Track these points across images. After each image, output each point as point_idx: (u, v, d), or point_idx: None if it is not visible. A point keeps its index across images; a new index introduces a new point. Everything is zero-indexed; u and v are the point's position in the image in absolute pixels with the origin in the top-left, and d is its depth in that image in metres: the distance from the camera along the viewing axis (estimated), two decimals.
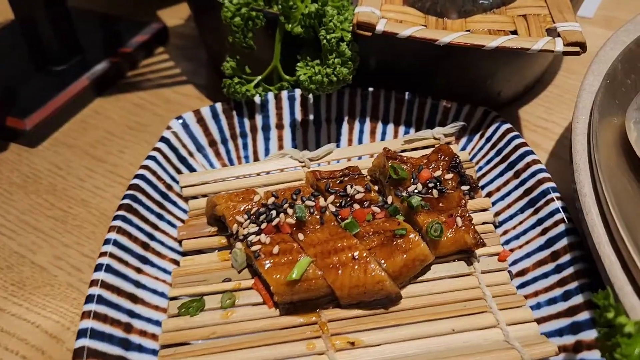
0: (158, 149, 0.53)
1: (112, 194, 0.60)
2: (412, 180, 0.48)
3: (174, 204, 0.52)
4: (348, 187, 0.48)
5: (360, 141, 0.58)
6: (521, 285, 0.45)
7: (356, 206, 0.47)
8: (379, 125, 0.58)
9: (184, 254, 0.49)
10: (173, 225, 0.50)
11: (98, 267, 0.42)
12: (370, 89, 0.58)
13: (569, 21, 0.51)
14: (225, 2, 0.55)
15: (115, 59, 0.76)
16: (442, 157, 0.50)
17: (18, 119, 0.66)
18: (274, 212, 0.46)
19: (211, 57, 0.77)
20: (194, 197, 0.53)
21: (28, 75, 0.72)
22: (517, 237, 0.47)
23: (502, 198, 0.51)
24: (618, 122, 0.49)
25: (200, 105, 0.69)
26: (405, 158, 0.50)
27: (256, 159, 0.58)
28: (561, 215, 0.44)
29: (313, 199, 0.47)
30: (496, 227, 0.50)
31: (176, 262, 0.48)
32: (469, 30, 0.52)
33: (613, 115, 0.49)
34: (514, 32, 0.52)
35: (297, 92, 0.58)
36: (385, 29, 0.50)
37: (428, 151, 0.55)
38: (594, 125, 0.45)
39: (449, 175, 0.49)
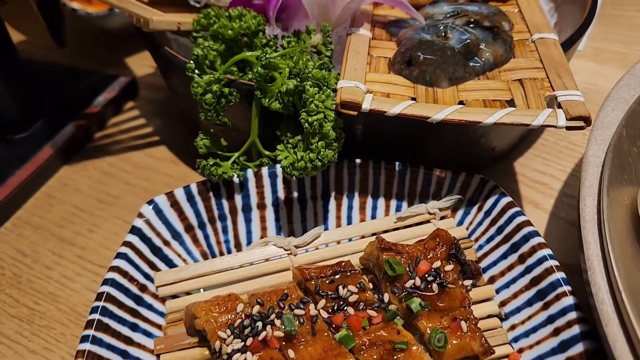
0: (129, 243, 0.48)
1: (82, 285, 0.55)
2: (410, 274, 0.44)
3: (149, 307, 0.47)
4: (340, 287, 0.44)
5: (349, 218, 0.54)
6: None
7: (350, 310, 0.43)
8: (369, 200, 0.54)
9: None
10: (149, 335, 0.46)
11: None
12: (358, 160, 0.53)
13: (569, 88, 0.48)
14: (195, 77, 0.51)
15: (81, 121, 0.70)
16: (440, 244, 0.46)
17: None
18: (259, 324, 0.42)
19: (182, 114, 0.72)
20: (172, 297, 0.48)
21: None
22: (526, 334, 0.44)
23: (507, 285, 0.47)
24: (629, 202, 0.45)
25: (174, 169, 0.65)
26: (400, 247, 0.46)
27: (237, 243, 0.53)
28: (574, 314, 0.41)
29: (302, 306, 0.43)
30: (502, 320, 0.46)
31: None
32: (462, 102, 0.48)
33: (623, 193, 0.45)
34: (511, 102, 0.48)
35: (279, 168, 0.53)
36: (372, 107, 0.46)
37: (423, 228, 0.52)
38: (604, 213, 0.41)
39: (449, 267, 0.45)
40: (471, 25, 0.54)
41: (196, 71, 0.51)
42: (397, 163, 0.53)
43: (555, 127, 0.45)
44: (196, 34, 0.57)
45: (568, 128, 0.45)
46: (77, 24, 0.83)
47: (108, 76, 0.77)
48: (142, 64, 0.84)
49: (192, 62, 0.51)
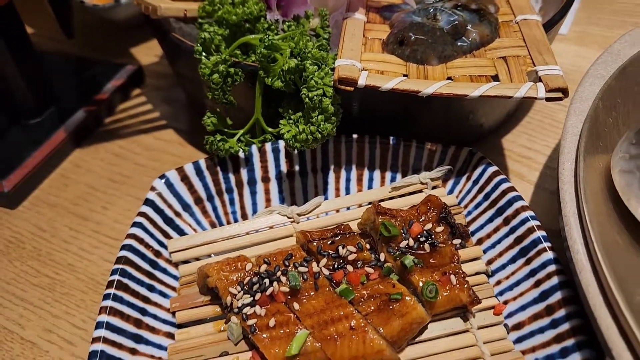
0: (143, 214, 0.52)
1: (99, 256, 0.59)
2: (404, 235, 0.48)
3: (164, 271, 0.51)
4: (340, 247, 0.48)
5: (347, 189, 0.58)
6: (518, 340, 0.45)
7: (349, 268, 0.47)
8: (366, 172, 0.58)
9: (178, 325, 0.48)
10: (165, 296, 0.50)
11: (92, 355, 0.42)
12: (355, 135, 0.57)
13: (549, 64, 0.51)
14: (202, 59, 0.54)
15: (91, 107, 0.74)
16: (432, 208, 0.50)
17: None
18: (267, 281, 0.45)
19: (189, 99, 0.76)
20: (184, 262, 0.52)
21: (1, 132, 0.70)
22: (510, 288, 0.47)
23: (493, 246, 0.51)
24: (603, 167, 0.49)
25: (181, 150, 0.69)
26: (394, 212, 0.50)
27: (244, 214, 0.57)
28: (554, 267, 0.45)
29: (305, 264, 0.46)
30: (489, 276, 0.50)
31: (171, 336, 0.47)
32: (450, 78, 0.52)
33: (598, 159, 0.49)
34: (495, 77, 0.52)
35: (281, 144, 0.57)
36: (367, 82, 0.50)
37: (416, 197, 0.55)
38: (580, 175, 0.45)
39: (440, 228, 0.49)
40: (459, 8, 0.58)
41: (203, 53, 0.55)
42: (391, 138, 0.57)
43: (535, 98, 0.49)
44: (202, 20, 0.60)
45: (548, 99, 0.49)
46: (85, 15, 0.87)
47: (115, 64, 0.81)
48: (147, 53, 0.88)
49: (199, 45, 0.55)
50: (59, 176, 0.69)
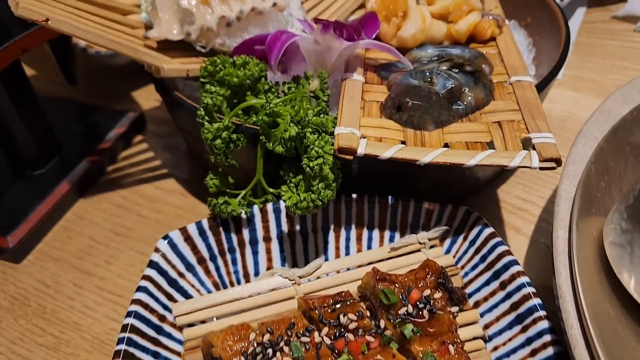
0: (148, 277, 0.53)
1: (103, 314, 0.60)
2: (403, 302, 0.49)
3: (169, 336, 0.52)
4: (341, 316, 0.49)
5: (347, 248, 0.59)
6: None
7: (350, 336, 0.48)
8: (365, 231, 0.59)
9: None
10: None
11: None
12: (354, 195, 0.59)
13: (542, 131, 0.53)
14: (204, 124, 0.56)
15: (95, 156, 0.75)
16: (430, 273, 0.52)
17: (0, 237, 0.65)
18: (270, 351, 0.47)
19: (189, 149, 0.77)
20: (189, 325, 0.53)
21: (5, 184, 0.72)
22: (507, 355, 0.49)
23: (490, 310, 0.52)
24: (596, 235, 0.50)
25: (183, 201, 0.70)
26: (394, 277, 0.51)
27: (246, 273, 0.58)
28: (549, 337, 0.46)
29: (307, 334, 0.48)
30: (486, 341, 0.51)
31: None
32: (447, 145, 0.53)
33: (591, 226, 0.51)
34: (491, 143, 0.53)
35: (282, 204, 0.58)
36: (366, 151, 0.51)
37: (414, 256, 0.57)
38: (574, 245, 0.47)
39: (438, 294, 0.50)
40: (454, 70, 0.60)
41: (206, 118, 0.56)
42: (389, 197, 0.59)
43: (529, 167, 0.50)
44: (203, 79, 0.62)
45: (541, 168, 0.51)
46: (87, 60, 0.88)
47: (118, 112, 0.82)
48: (148, 97, 0.90)
49: (201, 109, 0.56)
50: (63, 228, 0.70)
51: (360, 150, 0.51)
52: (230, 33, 0.67)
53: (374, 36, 0.66)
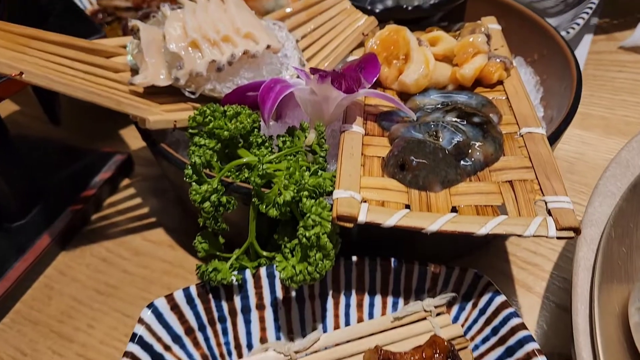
0: (130, 355, 0.49)
1: None
2: None
3: None
4: None
5: (347, 315, 0.55)
6: None
7: None
8: (366, 297, 0.55)
9: None
10: None
11: None
12: (354, 258, 0.54)
13: (558, 193, 0.49)
14: (192, 185, 0.51)
15: (79, 205, 0.71)
16: (438, 352, 0.47)
17: None
18: None
19: (178, 198, 0.73)
20: None
21: None
22: None
23: None
24: (619, 311, 0.46)
25: (171, 255, 0.66)
26: (398, 356, 0.47)
27: (237, 344, 0.54)
28: None
29: None
30: None
31: None
32: (455, 208, 0.49)
33: (614, 300, 0.47)
34: (502, 206, 0.49)
35: (275, 265, 0.54)
36: (368, 219, 0.47)
37: (420, 326, 0.53)
38: (596, 325, 0.43)
39: None
40: (461, 121, 0.56)
41: (194, 177, 0.52)
42: (392, 260, 0.54)
43: (546, 236, 0.46)
44: (192, 130, 0.58)
45: (558, 238, 0.47)
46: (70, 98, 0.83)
47: (104, 154, 0.78)
48: (136, 135, 0.85)
49: (189, 168, 0.52)
50: (43, 286, 0.65)
51: (362, 218, 0.47)
52: (221, 78, 0.63)
53: (374, 80, 0.62)
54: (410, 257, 0.56)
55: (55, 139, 0.83)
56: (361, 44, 0.73)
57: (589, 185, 0.72)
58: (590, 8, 0.90)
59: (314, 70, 0.54)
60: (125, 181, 0.78)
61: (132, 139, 0.85)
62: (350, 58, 0.71)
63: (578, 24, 0.87)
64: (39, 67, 0.54)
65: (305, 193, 0.49)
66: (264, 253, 0.55)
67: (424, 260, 0.55)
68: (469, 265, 0.61)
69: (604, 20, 1.00)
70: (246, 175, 0.55)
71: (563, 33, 0.87)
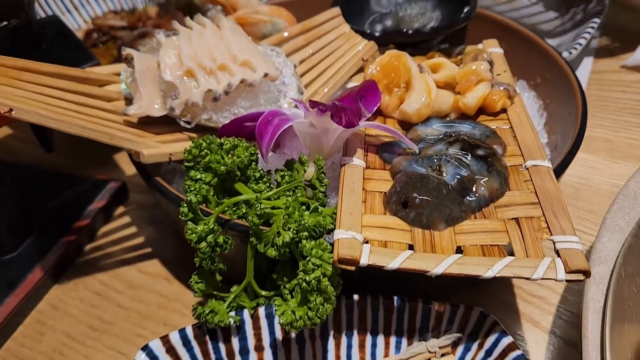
0: None
1: None
2: None
3: None
4: None
5: (348, 356, 0.53)
6: None
7: None
8: (368, 337, 0.53)
9: None
10: None
11: None
12: (355, 297, 0.53)
13: (566, 232, 0.47)
14: (188, 224, 0.50)
15: (72, 236, 0.69)
16: None
17: None
18: None
19: (173, 228, 0.71)
20: None
21: None
22: None
23: None
24: (632, 355, 0.45)
25: (167, 288, 0.64)
26: None
27: None
28: None
29: None
30: None
31: None
32: (460, 248, 0.47)
33: (626, 345, 0.45)
34: (509, 246, 0.48)
35: (274, 306, 0.52)
36: (370, 261, 0.46)
37: None
38: None
39: None
40: (465, 154, 0.54)
41: (190, 215, 0.50)
42: (395, 298, 0.53)
43: (554, 279, 0.45)
44: (187, 164, 0.56)
45: (567, 281, 0.45)
46: None
47: (98, 181, 0.76)
48: (130, 161, 0.83)
49: (185, 205, 0.50)
50: (35, 322, 0.63)
51: (364, 260, 0.46)
52: (218, 107, 0.62)
53: (374, 110, 0.61)
54: (413, 292, 0.54)
55: (48, 165, 0.81)
56: (361, 70, 0.71)
57: (594, 212, 0.70)
58: (592, 28, 0.89)
59: (313, 104, 0.53)
60: (120, 209, 0.76)
61: (127, 164, 0.83)
62: (350, 84, 0.69)
63: (580, 44, 0.86)
64: (30, 102, 0.53)
65: (305, 234, 0.48)
66: (263, 292, 0.53)
67: (427, 297, 0.53)
68: (473, 298, 0.60)
69: (605, 40, 0.98)
70: (244, 210, 0.54)
71: (565, 54, 0.86)
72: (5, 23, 0.64)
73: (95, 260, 0.70)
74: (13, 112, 0.50)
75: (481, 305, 0.52)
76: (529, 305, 0.61)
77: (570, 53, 0.85)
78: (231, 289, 0.55)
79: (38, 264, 0.66)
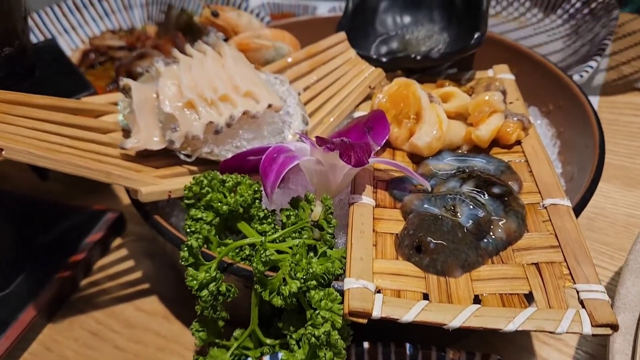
0: None
1: None
2: None
3: None
4: None
5: None
6: None
7: None
8: None
9: None
10: None
11: None
12: (365, 345, 0.50)
13: (590, 281, 0.45)
14: (189, 270, 0.47)
15: (67, 271, 0.66)
16: None
17: None
18: None
19: (172, 265, 0.68)
20: None
21: None
22: None
23: None
24: None
25: (167, 328, 0.61)
26: None
27: None
28: None
29: None
30: None
31: None
32: (477, 297, 0.45)
33: None
34: (529, 295, 0.45)
35: (280, 356, 0.49)
36: (383, 314, 0.43)
37: None
38: None
39: None
40: (480, 192, 0.52)
41: (190, 260, 0.48)
42: (407, 346, 0.50)
43: (580, 334, 0.42)
44: (188, 201, 0.53)
45: (594, 335, 0.42)
46: None
47: (94, 213, 0.74)
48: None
49: (185, 250, 0.47)
50: None
51: (376, 313, 0.43)
52: (219, 140, 0.59)
53: (383, 142, 0.58)
54: (426, 336, 0.51)
55: (42, 193, 0.78)
56: (368, 98, 0.69)
57: (610, 245, 0.68)
58: (602, 49, 0.87)
59: (320, 141, 0.50)
60: (117, 241, 0.73)
61: (124, 193, 0.80)
62: (357, 113, 0.66)
63: (591, 67, 0.84)
64: (22, 139, 0.50)
65: (313, 282, 0.45)
66: (267, 341, 0.50)
67: (441, 341, 0.50)
68: (488, 339, 0.57)
69: (615, 60, 0.96)
70: (247, 252, 0.51)
71: (576, 77, 0.83)
72: None
73: (91, 296, 0.67)
74: (4, 152, 0.47)
75: (496, 347, 0.50)
76: (545, 347, 0.58)
77: (581, 76, 0.82)
78: (234, 334, 0.52)
79: (31, 302, 0.63)
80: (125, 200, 0.79)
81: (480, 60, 0.76)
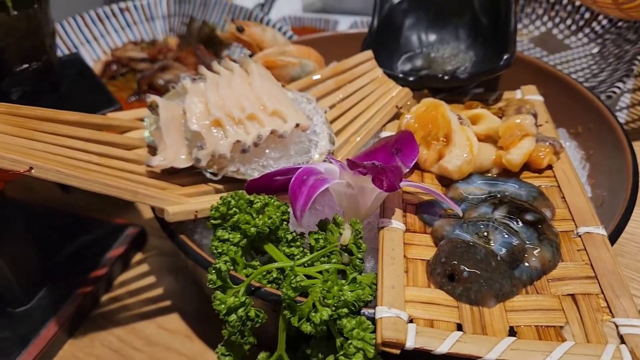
0: None
1: None
2: None
3: None
4: None
5: None
6: None
7: None
8: None
9: None
10: None
11: None
12: None
13: (630, 315, 0.43)
14: (217, 294, 0.46)
15: (88, 286, 0.66)
16: None
17: None
18: None
19: (195, 281, 0.68)
20: None
21: None
22: None
23: None
24: None
25: (188, 347, 0.61)
26: None
27: None
28: None
29: None
30: None
31: None
32: (512, 329, 0.44)
33: None
34: (566, 326, 0.44)
35: None
36: (417, 344, 0.42)
37: None
38: None
39: None
40: (513, 219, 0.51)
41: (218, 282, 0.47)
42: None
43: None
44: (214, 222, 0.53)
45: None
46: None
47: (116, 227, 0.73)
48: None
49: (213, 272, 0.47)
50: None
51: (410, 344, 0.42)
52: (246, 159, 0.58)
53: (412, 165, 0.57)
54: None
55: (64, 207, 0.78)
56: (395, 117, 0.68)
57: None
58: (631, 70, 0.85)
59: (351, 164, 0.49)
60: (138, 256, 0.73)
61: (145, 206, 0.80)
62: (383, 133, 0.66)
63: (619, 88, 0.82)
64: (50, 157, 0.50)
65: (345, 310, 0.44)
66: None
67: None
68: None
69: None
70: (274, 275, 0.50)
71: (603, 97, 0.82)
72: (25, 66, 0.61)
73: (112, 312, 0.66)
74: (33, 171, 0.47)
75: None
76: None
77: (610, 97, 0.81)
78: (259, 357, 0.51)
79: (53, 318, 0.62)
80: (146, 213, 0.79)
81: (507, 80, 0.75)
